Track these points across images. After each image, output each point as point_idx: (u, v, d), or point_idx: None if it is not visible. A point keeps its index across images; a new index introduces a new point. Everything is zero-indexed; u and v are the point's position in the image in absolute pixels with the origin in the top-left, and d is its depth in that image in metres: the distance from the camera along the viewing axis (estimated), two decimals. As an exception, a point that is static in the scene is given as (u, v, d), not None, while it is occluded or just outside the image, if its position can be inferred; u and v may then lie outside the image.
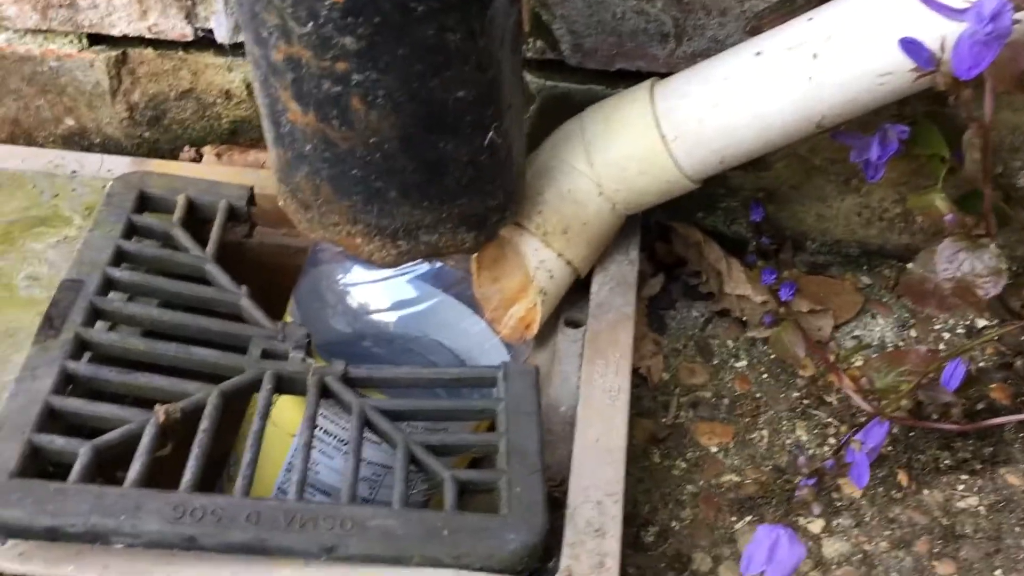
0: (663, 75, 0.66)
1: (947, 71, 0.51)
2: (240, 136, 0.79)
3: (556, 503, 0.54)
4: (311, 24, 0.47)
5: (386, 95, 0.50)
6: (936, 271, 0.54)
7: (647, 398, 0.69)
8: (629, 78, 0.70)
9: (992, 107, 0.52)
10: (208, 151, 0.78)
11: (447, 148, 0.53)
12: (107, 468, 0.52)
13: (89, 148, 0.80)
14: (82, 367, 0.54)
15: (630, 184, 0.64)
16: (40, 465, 0.50)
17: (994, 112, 0.63)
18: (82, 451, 0.50)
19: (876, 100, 0.58)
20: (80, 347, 0.55)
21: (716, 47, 0.67)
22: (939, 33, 0.52)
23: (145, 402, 0.54)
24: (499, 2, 0.50)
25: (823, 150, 0.72)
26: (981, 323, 0.72)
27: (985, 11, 0.47)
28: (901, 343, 0.72)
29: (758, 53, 0.59)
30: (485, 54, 0.51)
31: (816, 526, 0.61)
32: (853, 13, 0.57)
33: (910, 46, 0.51)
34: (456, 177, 0.55)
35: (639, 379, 0.70)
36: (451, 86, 0.51)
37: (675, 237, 0.78)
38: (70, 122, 0.79)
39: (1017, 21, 0.49)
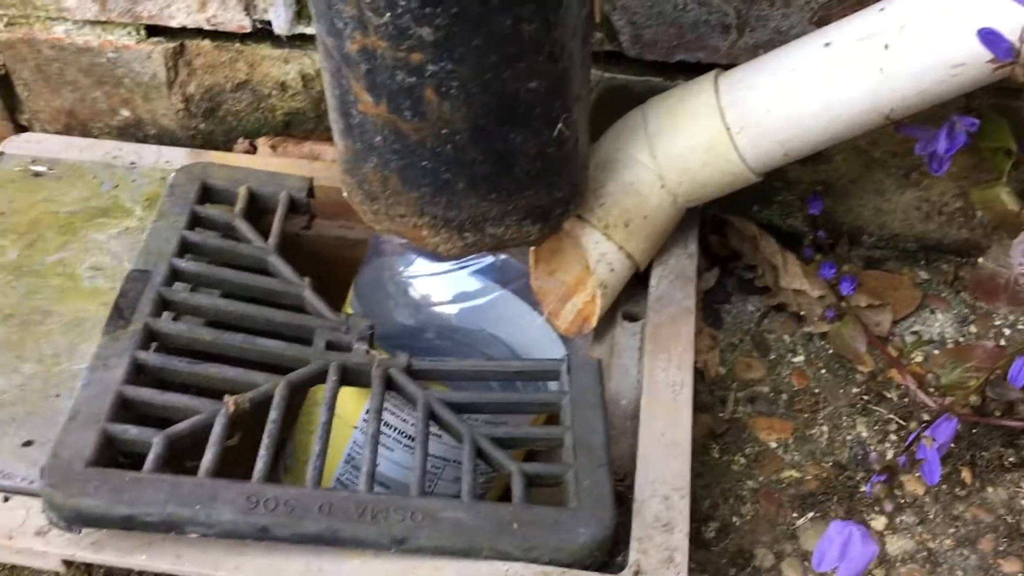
0: (724, 67, 0.65)
1: (1026, 62, 0.51)
2: (294, 128, 0.79)
3: (621, 497, 0.54)
4: (388, 14, 0.47)
5: (459, 86, 0.50)
6: (1009, 266, 0.54)
7: (704, 392, 0.69)
8: (688, 70, 0.70)
9: (1072, 100, 0.51)
10: (262, 143, 0.79)
11: (517, 140, 0.53)
12: (175, 458, 0.52)
13: (144, 139, 0.80)
14: (152, 357, 0.54)
15: (693, 176, 0.63)
16: (112, 454, 0.51)
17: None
18: (156, 441, 0.50)
19: (947, 92, 0.57)
20: (149, 337, 0.55)
21: (779, 38, 0.67)
22: (1017, 23, 0.51)
23: (211, 392, 0.54)
24: (573, -7, 0.50)
25: (884, 143, 0.71)
26: (1042, 319, 0.71)
27: (1071, 2, 0.46)
28: (962, 339, 0.71)
29: (827, 44, 0.59)
30: (558, 45, 0.51)
31: (879, 523, 0.61)
32: (927, 3, 0.56)
33: (989, 37, 0.51)
34: (524, 169, 0.55)
35: (695, 373, 0.69)
36: (524, 77, 0.51)
37: (730, 230, 0.77)
38: (125, 113, 0.79)
39: (1100, 12, 0.48)
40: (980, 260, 0.57)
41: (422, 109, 0.51)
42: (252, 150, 0.79)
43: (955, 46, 0.55)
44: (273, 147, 0.78)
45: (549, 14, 0.49)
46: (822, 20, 0.61)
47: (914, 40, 0.56)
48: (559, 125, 0.54)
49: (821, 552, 0.49)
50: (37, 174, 0.71)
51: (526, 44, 0.50)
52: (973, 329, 0.72)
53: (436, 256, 0.60)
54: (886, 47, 0.56)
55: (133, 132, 0.81)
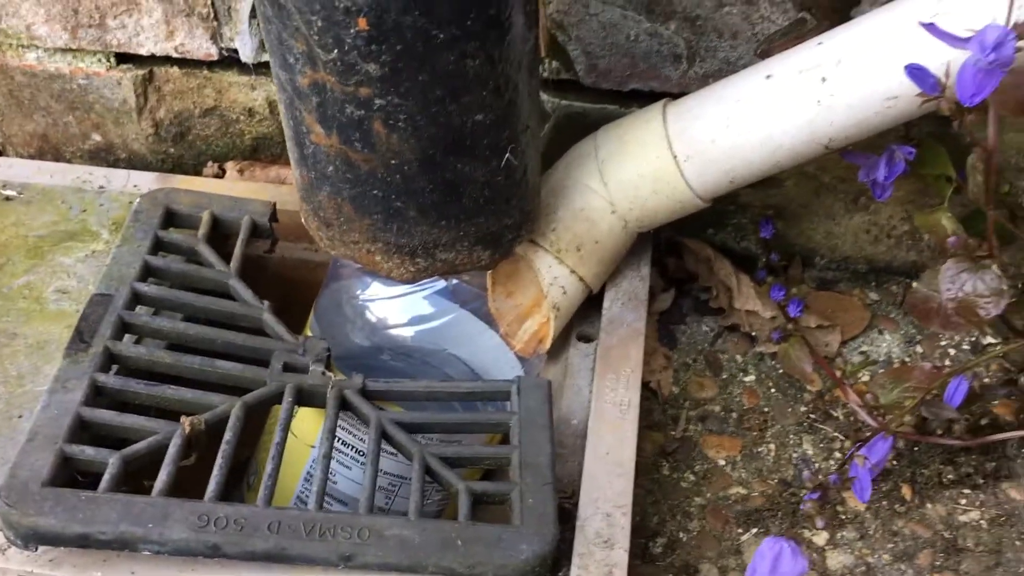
0: (675, 95, 0.67)
1: (952, 96, 0.53)
2: (262, 152, 0.81)
3: (567, 514, 0.56)
4: (336, 51, 0.49)
5: (407, 119, 0.52)
6: (940, 291, 0.56)
7: (657, 411, 0.71)
8: (642, 98, 0.72)
9: (996, 132, 0.53)
10: (231, 166, 0.81)
11: (465, 170, 0.55)
12: (133, 477, 0.54)
13: (115, 163, 0.82)
14: (111, 379, 0.56)
15: (642, 203, 0.65)
16: (70, 474, 0.52)
17: (1001, 133, 0.65)
18: (111, 461, 0.52)
19: (884, 123, 0.59)
20: (109, 360, 0.57)
21: (728, 68, 0.69)
22: (944, 59, 0.54)
23: (170, 413, 0.56)
24: (517, 29, 0.52)
25: (832, 169, 0.73)
26: (987, 339, 0.73)
27: (988, 40, 0.48)
28: (907, 359, 0.73)
29: (769, 76, 0.61)
30: (503, 79, 0.53)
31: (821, 538, 0.62)
32: (861, 38, 0.58)
33: (916, 72, 0.53)
34: (473, 197, 0.57)
35: (649, 393, 0.72)
36: (470, 110, 0.53)
37: (686, 253, 0.79)
38: (97, 138, 0.81)
39: (1020, 49, 0.50)
40: (915, 284, 0.59)
41: (371, 141, 0.53)
42: (221, 174, 0.81)
43: (888, 79, 0.57)
44: (241, 171, 0.80)
45: (493, 50, 0.51)
46: (765, 53, 0.64)
47: (850, 74, 0.58)
48: (507, 155, 0.56)
49: (753, 567, 0.51)
50: (8, 198, 0.73)
51: (471, 79, 0.52)
52: (919, 349, 0.74)
53: (391, 280, 0.62)
54: (823, 80, 0.59)
55: (104, 156, 0.82)
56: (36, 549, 0.50)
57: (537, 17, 0.54)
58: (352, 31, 0.48)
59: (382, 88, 0.51)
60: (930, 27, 0.51)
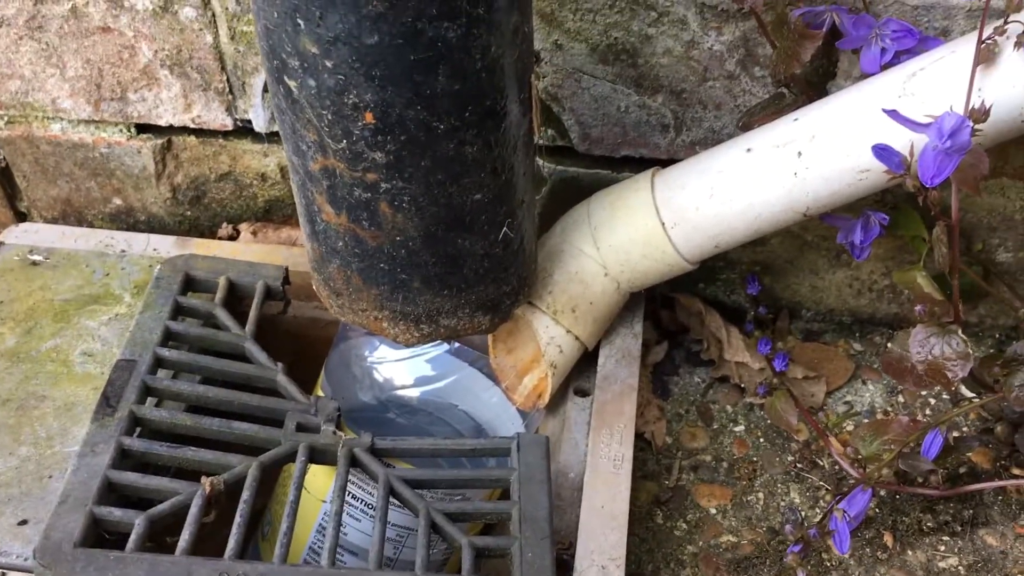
0: (664, 162, 0.71)
1: (916, 174, 0.57)
2: (274, 213, 0.85)
3: (565, 565, 0.60)
4: (345, 141, 0.54)
5: (410, 200, 0.56)
6: (910, 353, 0.59)
7: (651, 461, 0.74)
8: (633, 164, 0.76)
9: (958, 207, 0.57)
10: (244, 228, 0.85)
11: (465, 244, 0.59)
12: (157, 535, 0.58)
13: (135, 225, 0.87)
14: (136, 442, 0.59)
15: (633, 266, 0.69)
16: (98, 534, 0.56)
17: (972, 196, 0.69)
18: (138, 521, 0.55)
19: (857, 193, 0.63)
20: (134, 423, 0.61)
21: (713, 137, 0.73)
22: (909, 138, 0.57)
23: (191, 473, 0.59)
24: (512, 116, 0.56)
25: (815, 228, 0.77)
26: (965, 390, 0.77)
27: (945, 127, 0.52)
28: (889, 408, 0.77)
29: (748, 149, 0.65)
30: (499, 160, 0.57)
31: (807, 585, 0.66)
32: (833, 115, 0.62)
33: (882, 152, 0.57)
34: (473, 268, 0.61)
35: (644, 443, 0.75)
36: (469, 190, 0.57)
37: (678, 306, 0.83)
38: (118, 202, 0.86)
39: (978, 131, 0.54)
40: (889, 344, 0.62)
41: (378, 220, 0.57)
42: (235, 234, 0.85)
43: (859, 154, 0.61)
44: (254, 232, 0.85)
45: (489, 136, 0.55)
46: (746, 126, 0.68)
47: (823, 148, 0.62)
48: (504, 229, 0.60)
49: (739, 618, 0.54)
50: (35, 263, 0.77)
51: (469, 163, 0.56)
52: (900, 399, 0.78)
53: (397, 344, 0.66)
54: (799, 154, 0.63)
55: (124, 218, 0.87)
56: (68, 606, 0.54)
57: (531, 103, 0.58)
58: (360, 124, 0.53)
59: (388, 173, 0.55)
60: (892, 113, 0.55)
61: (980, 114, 0.54)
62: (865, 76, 0.63)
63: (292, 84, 0.53)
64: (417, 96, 0.52)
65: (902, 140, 0.58)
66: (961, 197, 0.70)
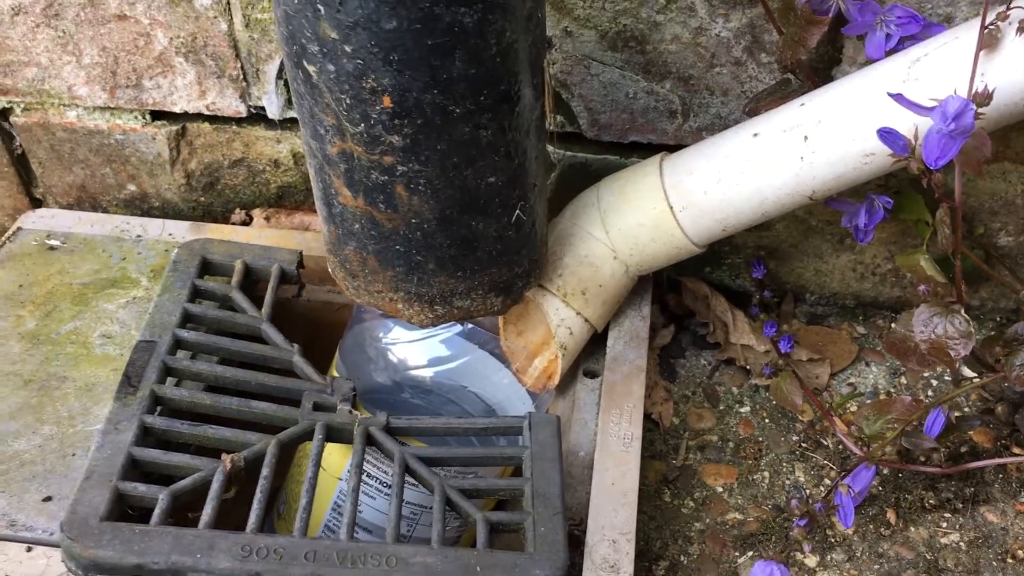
0: (672, 147, 0.73)
1: (920, 157, 0.58)
2: (286, 199, 0.86)
3: (576, 541, 0.61)
4: (363, 125, 0.55)
5: (426, 183, 0.57)
6: (913, 333, 0.61)
7: (659, 441, 0.76)
8: (641, 149, 0.77)
9: (961, 190, 0.59)
10: (257, 213, 0.86)
11: (479, 226, 0.61)
12: (179, 511, 0.59)
13: (149, 211, 0.88)
14: (158, 421, 0.61)
15: (642, 249, 0.71)
16: (123, 509, 0.58)
17: (974, 180, 0.70)
18: (161, 496, 0.57)
19: (862, 176, 0.65)
20: (155, 402, 0.62)
21: (720, 123, 0.74)
22: (914, 121, 0.59)
23: (211, 450, 0.61)
24: (525, 100, 0.58)
25: (819, 212, 0.79)
26: (967, 371, 0.78)
27: (949, 110, 0.54)
28: (892, 390, 0.78)
29: (756, 134, 0.66)
30: (513, 144, 0.58)
31: (812, 561, 0.67)
32: (840, 99, 0.63)
33: (887, 135, 0.58)
34: (487, 250, 0.62)
35: (652, 424, 0.77)
36: (483, 173, 0.58)
37: (685, 291, 0.84)
38: (132, 188, 0.87)
39: (981, 115, 0.56)
40: (893, 325, 0.64)
41: (394, 202, 0.58)
42: (248, 220, 0.87)
43: (865, 138, 0.62)
44: (267, 218, 0.86)
45: (504, 121, 0.57)
46: (752, 111, 0.69)
47: (829, 132, 0.63)
48: (516, 211, 0.62)
49: (747, 589, 0.56)
50: (52, 248, 0.79)
51: (484, 147, 0.57)
52: (903, 380, 0.79)
53: (411, 324, 0.67)
54: (806, 138, 0.64)
55: (139, 204, 0.88)
56: (94, 578, 0.55)
57: (544, 88, 0.59)
58: (378, 108, 0.54)
59: (404, 156, 0.56)
60: (898, 97, 0.56)
61: (983, 98, 0.55)
62: (870, 62, 0.64)
63: (311, 69, 0.54)
64: (434, 80, 0.53)
65: (906, 124, 0.59)
66: (964, 180, 0.71)
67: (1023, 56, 0.56)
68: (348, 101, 0.54)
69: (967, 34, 0.59)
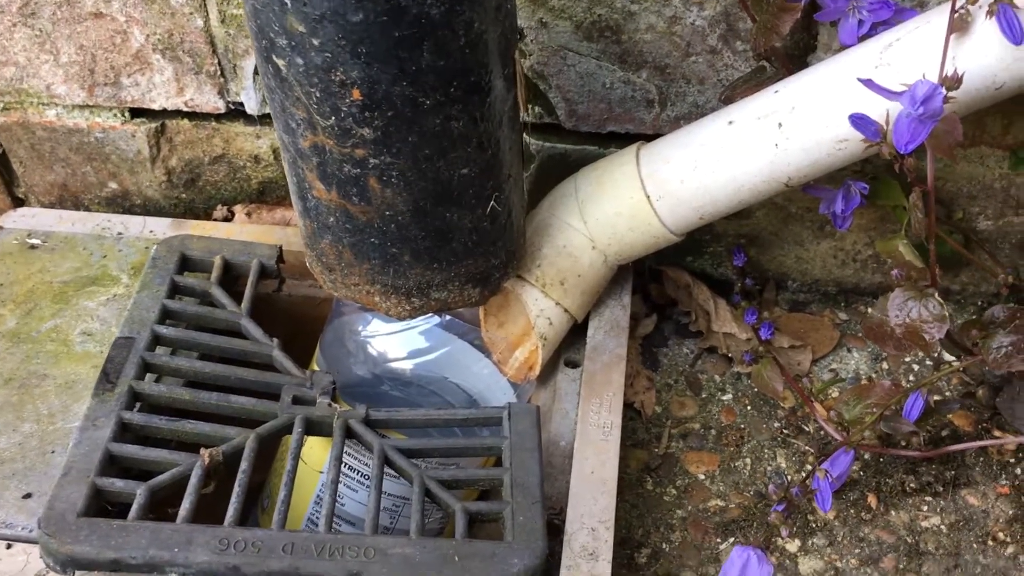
0: (649, 137, 0.73)
1: (891, 141, 0.58)
2: (267, 195, 0.86)
3: (555, 529, 0.61)
4: (334, 118, 0.55)
5: (399, 175, 0.57)
6: (889, 317, 0.61)
7: (641, 430, 0.76)
8: (619, 139, 0.77)
9: (933, 173, 0.59)
10: (239, 209, 0.86)
11: (453, 218, 0.61)
12: (158, 505, 0.59)
13: (130, 209, 0.88)
14: (136, 416, 0.61)
15: (620, 239, 0.71)
16: (101, 505, 0.58)
17: (951, 164, 0.70)
18: (139, 492, 0.57)
19: (837, 163, 0.65)
20: (133, 398, 0.62)
21: (697, 111, 0.75)
22: (885, 107, 0.59)
23: (190, 446, 0.61)
24: (497, 92, 0.58)
25: (799, 199, 0.79)
26: (948, 355, 0.79)
27: (918, 94, 0.54)
28: (874, 375, 0.78)
29: (731, 122, 0.66)
30: (485, 135, 0.59)
31: (793, 546, 0.68)
32: (814, 86, 0.64)
33: (859, 121, 0.58)
34: (462, 242, 0.62)
35: (633, 413, 0.77)
36: (456, 165, 0.58)
37: (666, 280, 0.84)
38: (113, 186, 0.87)
39: (951, 99, 0.56)
40: (869, 311, 0.64)
41: (368, 195, 0.58)
42: (230, 216, 0.87)
43: (838, 124, 0.62)
44: (249, 214, 0.86)
45: (475, 112, 0.57)
46: (728, 99, 0.69)
47: (803, 119, 0.63)
48: (491, 202, 0.62)
49: (724, 574, 0.56)
50: (33, 246, 0.79)
51: (456, 138, 0.57)
52: (885, 366, 0.79)
53: (390, 317, 0.67)
54: (780, 125, 0.64)
55: (120, 202, 0.88)
56: (73, 574, 0.55)
57: (516, 79, 0.60)
58: (348, 100, 0.54)
59: (376, 149, 0.56)
60: (867, 82, 0.56)
61: (952, 81, 0.55)
62: (844, 48, 0.64)
63: (280, 63, 0.54)
64: (403, 72, 0.53)
65: (879, 109, 0.59)
66: (940, 166, 0.71)
67: (993, 40, 0.56)
68: (318, 95, 0.54)
69: (938, 18, 0.59)
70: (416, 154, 0.57)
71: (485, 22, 0.54)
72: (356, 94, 0.53)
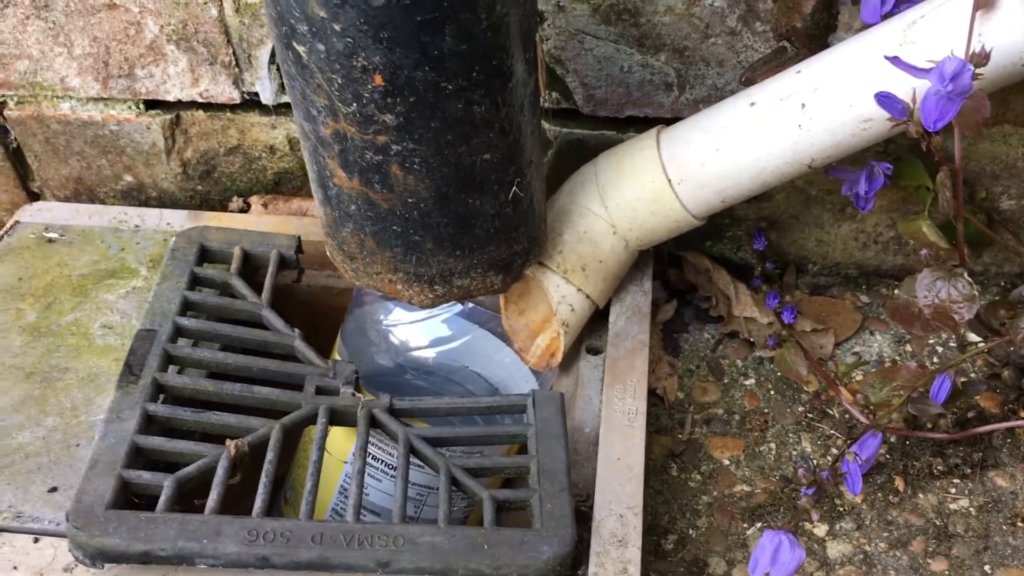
0: (669, 120, 0.72)
1: (919, 120, 0.57)
2: (283, 185, 0.86)
3: (583, 516, 0.61)
4: (355, 104, 0.54)
5: (421, 162, 0.57)
6: (917, 298, 0.60)
7: (664, 416, 0.76)
8: (638, 123, 0.77)
9: (960, 152, 0.58)
10: (255, 201, 0.86)
11: (476, 204, 0.60)
12: (185, 497, 0.59)
13: (146, 201, 0.88)
14: (161, 408, 0.61)
15: (641, 223, 0.70)
16: (128, 497, 0.58)
17: (975, 144, 0.69)
18: (166, 483, 0.57)
19: (861, 143, 0.64)
20: (157, 390, 0.62)
21: (716, 94, 0.74)
22: (912, 85, 0.58)
23: (215, 437, 0.61)
24: (518, 76, 0.57)
25: (819, 182, 0.78)
26: (972, 336, 0.78)
27: (947, 71, 0.53)
28: (897, 358, 0.78)
29: (752, 103, 0.66)
30: (507, 121, 0.58)
31: (821, 530, 0.67)
32: (837, 66, 0.63)
33: (884, 100, 0.57)
34: (484, 228, 0.62)
35: (656, 399, 0.76)
36: (478, 150, 0.58)
37: (686, 265, 0.84)
38: (129, 178, 0.87)
39: (979, 76, 0.55)
40: (896, 291, 0.64)
41: (389, 182, 0.58)
42: (246, 207, 0.86)
43: (863, 104, 0.61)
44: (265, 204, 0.85)
45: (497, 97, 0.56)
46: (748, 80, 0.68)
47: (826, 99, 0.63)
48: (513, 188, 0.61)
49: (755, 559, 0.56)
50: (50, 240, 0.78)
51: (478, 123, 0.57)
52: (908, 348, 0.79)
53: (411, 305, 0.67)
54: (803, 106, 0.63)
55: (136, 195, 0.88)
56: (102, 567, 0.55)
57: (536, 62, 0.59)
58: (369, 87, 0.53)
59: (398, 135, 0.56)
60: (894, 60, 0.55)
61: (981, 58, 0.54)
62: (866, 27, 0.64)
63: (301, 49, 0.53)
64: (425, 57, 0.52)
65: (904, 88, 0.58)
66: (964, 144, 0.70)
67: (1019, 15, 0.55)
68: (339, 81, 0.54)
69: (963, -6, 0.58)
70: (438, 140, 0.56)
71: (507, 4, 0.53)
72: (378, 79, 0.53)
